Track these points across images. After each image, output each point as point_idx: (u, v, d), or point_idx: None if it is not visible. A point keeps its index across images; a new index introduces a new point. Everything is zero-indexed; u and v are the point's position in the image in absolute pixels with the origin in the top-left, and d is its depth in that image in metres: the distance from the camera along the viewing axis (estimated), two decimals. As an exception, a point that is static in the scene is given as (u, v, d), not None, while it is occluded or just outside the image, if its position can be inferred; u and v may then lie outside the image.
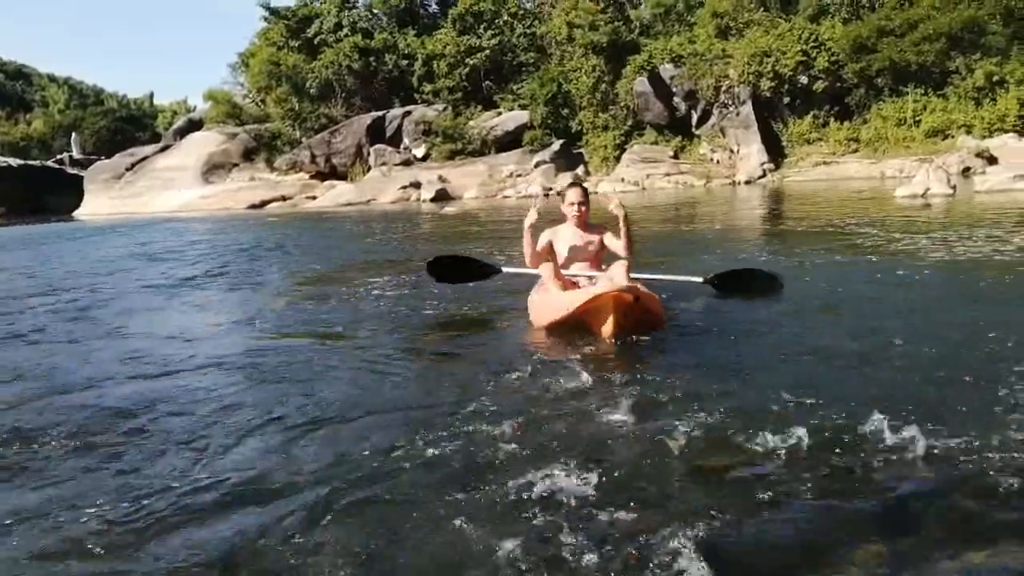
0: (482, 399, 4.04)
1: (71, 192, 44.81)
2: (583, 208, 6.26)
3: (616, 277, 5.72)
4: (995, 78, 29.81)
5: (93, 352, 5.94)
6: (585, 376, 4.37)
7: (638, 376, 4.37)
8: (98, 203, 42.33)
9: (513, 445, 3.32)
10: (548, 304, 5.81)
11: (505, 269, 7.08)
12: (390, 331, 6.16)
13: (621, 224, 6.00)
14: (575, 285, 6.12)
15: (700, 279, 6.72)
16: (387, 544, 2.60)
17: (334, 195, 36.54)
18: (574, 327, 5.55)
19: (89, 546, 2.71)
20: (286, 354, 5.47)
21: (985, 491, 2.67)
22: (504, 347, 5.51)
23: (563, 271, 6.18)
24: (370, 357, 5.25)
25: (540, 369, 4.61)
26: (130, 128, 66.59)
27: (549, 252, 6.30)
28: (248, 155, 43.98)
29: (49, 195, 46.98)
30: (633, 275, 5.85)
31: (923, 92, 31.69)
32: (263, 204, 37.35)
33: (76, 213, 41.83)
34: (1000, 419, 3.26)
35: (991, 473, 2.78)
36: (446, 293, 7.35)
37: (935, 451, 2.99)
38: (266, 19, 49.39)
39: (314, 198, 37.38)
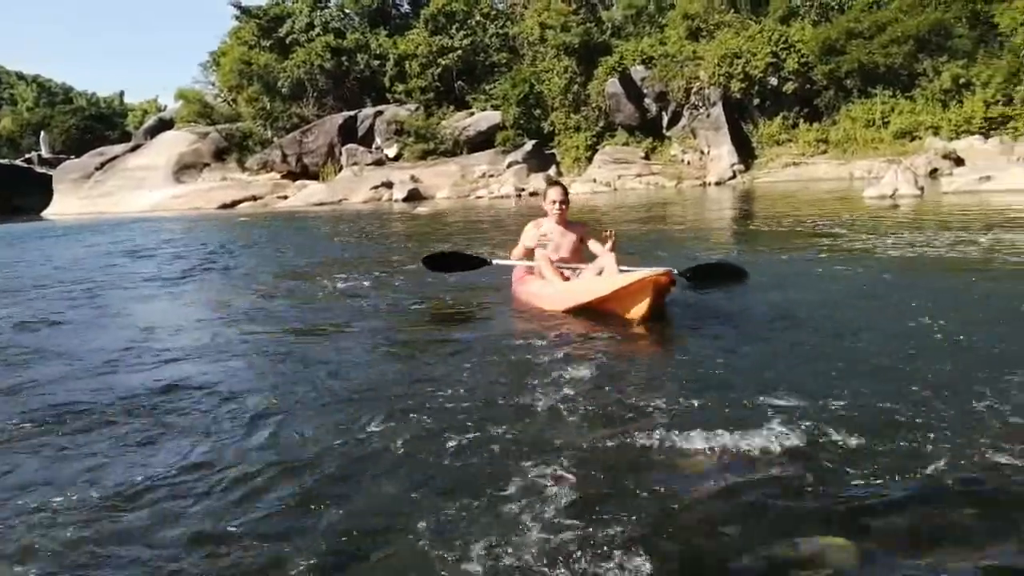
0: (462, 392, 4.09)
1: (40, 192, 44.25)
2: (564, 206, 6.84)
3: (607, 267, 6.18)
4: (961, 81, 30.19)
5: (76, 347, 5.89)
6: (560, 368, 4.45)
7: (608, 372, 4.41)
8: (67, 203, 41.92)
9: (491, 441, 3.33)
10: (565, 290, 6.23)
11: (495, 262, 7.37)
12: (371, 325, 6.20)
13: (611, 240, 6.40)
14: (563, 275, 6.57)
15: (677, 271, 6.90)
16: (361, 538, 2.62)
17: (305, 195, 36.40)
18: (557, 315, 6.02)
19: (64, 530, 2.74)
20: (269, 348, 5.52)
21: (945, 492, 2.70)
22: (487, 340, 5.54)
23: None
24: (353, 350, 5.31)
25: (521, 362, 4.69)
26: (100, 127, 65.80)
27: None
28: (219, 155, 43.73)
29: (17, 195, 46.36)
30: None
31: (891, 94, 32.05)
32: (234, 204, 37.15)
33: (45, 213, 41.38)
34: (962, 421, 3.29)
35: (952, 474, 2.80)
36: (428, 287, 7.59)
37: (895, 451, 3.02)
38: (237, 18, 49.15)
39: (285, 198, 37.23)
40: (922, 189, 18.08)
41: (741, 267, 7.32)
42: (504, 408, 3.81)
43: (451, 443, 3.34)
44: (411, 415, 3.74)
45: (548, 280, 6.43)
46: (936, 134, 29.71)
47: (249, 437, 3.61)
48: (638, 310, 5.58)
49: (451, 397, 4.01)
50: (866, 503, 2.65)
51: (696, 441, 3.21)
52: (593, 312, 5.93)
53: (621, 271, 6.08)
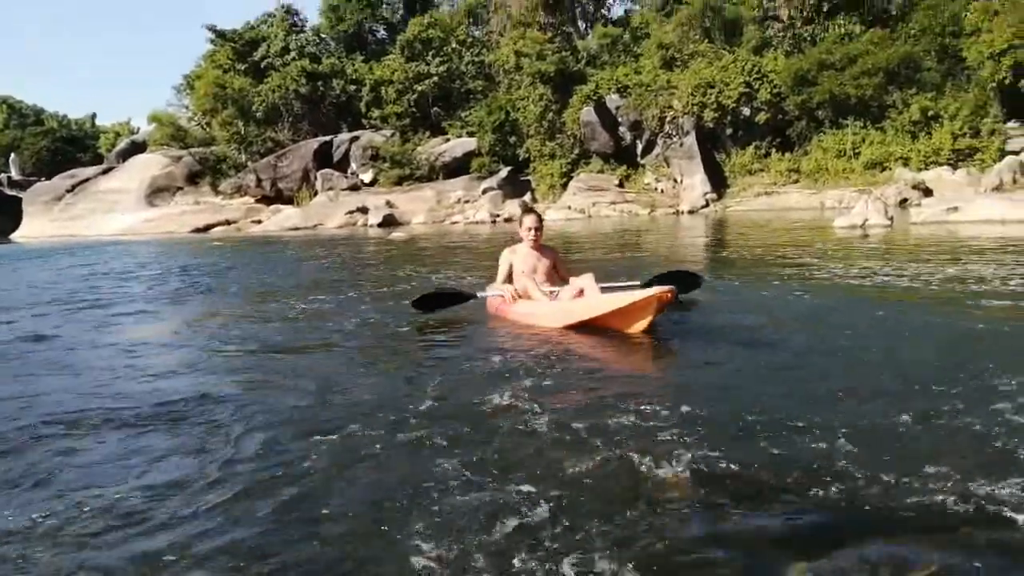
0: (447, 410, 4.12)
1: (9, 214, 43.90)
2: (538, 232, 7.27)
3: (587, 287, 6.61)
4: (930, 113, 30.74)
5: (57, 366, 5.85)
6: (547, 385, 4.51)
7: (593, 389, 4.44)
8: (37, 225, 41.60)
9: (469, 456, 3.34)
10: (567, 307, 6.53)
11: (480, 294, 7.52)
12: (353, 347, 6.23)
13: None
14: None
15: (639, 283, 7.42)
16: (339, 552, 2.63)
17: (280, 219, 36.32)
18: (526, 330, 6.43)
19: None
20: (249, 368, 5.53)
21: (909, 513, 2.72)
22: (473, 358, 5.59)
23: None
24: (338, 371, 5.31)
25: (507, 378, 4.73)
26: (71, 149, 65.29)
27: (512, 272, 7.25)
28: (193, 178, 43.61)
29: (-15, 217, 45.92)
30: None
31: (862, 125, 32.55)
32: (207, 228, 37.02)
33: (14, 236, 40.99)
34: (926, 443, 3.33)
35: (917, 496, 2.83)
36: (408, 311, 7.56)
37: (860, 471, 3.04)
38: (212, 41, 49.12)
39: (259, 222, 37.14)
40: (892, 219, 18.30)
41: (696, 273, 7.83)
42: (487, 425, 3.85)
43: (434, 461, 3.35)
44: (391, 431, 3.76)
45: (538, 300, 6.79)
46: (905, 165, 30.20)
47: (231, 452, 3.62)
48: (640, 325, 5.89)
49: (435, 412, 4.04)
50: (830, 525, 2.69)
51: (668, 462, 3.23)
52: (584, 328, 6.19)
53: (602, 288, 6.56)
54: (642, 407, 3.99)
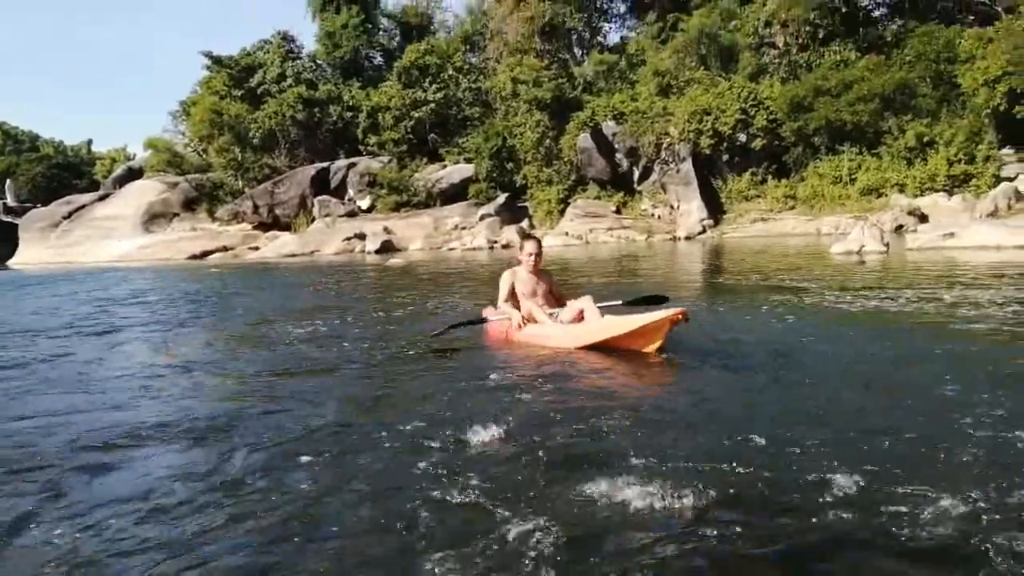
0: (443, 428, 4.16)
1: (5, 241, 43.94)
2: (538, 258, 7.63)
3: (587, 309, 6.98)
4: (925, 139, 30.88)
5: (60, 390, 5.90)
6: (552, 404, 4.58)
7: (586, 412, 4.43)
8: (33, 252, 41.59)
9: (469, 481, 3.36)
10: (579, 329, 6.81)
11: (489, 319, 7.74)
12: (358, 370, 6.28)
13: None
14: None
15: (620, 302, 7.82)
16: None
17: (277, 246, 36.35)
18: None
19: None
20: (254, 390, 5.62)
21: (905, 543, 2.69)
22: (477, 377, 5.68)
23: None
24: (340, 394, 5.38)
25: (519, 399, 4.82)
26: (67, 175, 65.32)
27: (512, 294, 7.56)
28: (189, 205, 43.71)
29: (-19, 244, 45.90)
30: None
31: (858, 151, 32.67)
32: (204, 255, 37.04)
33: (10, 262, 40.95)
34: (917, 472, 3.31)
35: (912, 525, 2.80)
36: (409, 334, 7.89)
37: (850, 501, 3.01)
38: (208, 68, 49.36)
39: (256, 248, 37.19)
40: (888, 245, 18.35)
41: (665, 296, 8.26)
42: (488, 450, 3.86)
43: (434, 485, 3.36)
44: (397, 456, 3.80)
45: (543, 322, 7.09)
46: (901, 191, 30.32)
47: (237, 474, 3.67)
48: (653, 345, 6.18)
49: (437, 436, 4.05)
50: (815, 551, 2.68)
51: (667, 489, 3.19)
52: (591, 350, 6.42)
53: (598, 307, 6.97)
54: (647, 433, 4.01)
